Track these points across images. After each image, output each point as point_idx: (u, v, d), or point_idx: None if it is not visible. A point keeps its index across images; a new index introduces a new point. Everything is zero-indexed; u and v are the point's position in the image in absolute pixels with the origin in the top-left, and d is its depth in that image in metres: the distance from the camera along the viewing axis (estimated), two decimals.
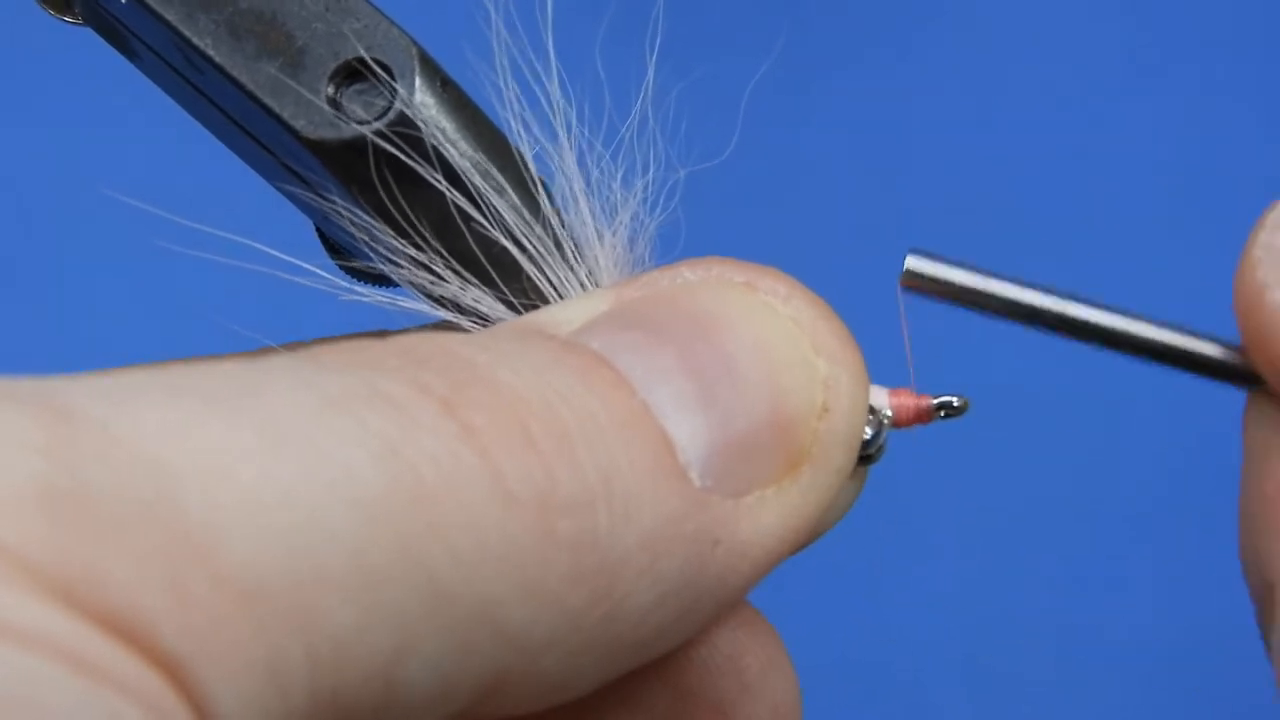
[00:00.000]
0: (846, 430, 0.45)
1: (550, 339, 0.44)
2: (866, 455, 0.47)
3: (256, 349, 0.49)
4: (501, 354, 0.41)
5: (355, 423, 0.37)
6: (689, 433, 0.42)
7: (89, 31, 0.50)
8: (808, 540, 0.45)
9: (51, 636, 0.32)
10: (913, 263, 0.46)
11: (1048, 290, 0.46)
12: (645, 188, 0.48)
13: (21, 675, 0.31)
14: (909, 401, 0.49)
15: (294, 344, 0.49)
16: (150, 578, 0.33)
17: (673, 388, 0.43)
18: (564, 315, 0.45)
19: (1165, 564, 1.17)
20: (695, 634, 0.45)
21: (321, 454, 0.36)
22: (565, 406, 0.40)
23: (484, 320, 0.48)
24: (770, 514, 0.44)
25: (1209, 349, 0.46)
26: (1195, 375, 0.46)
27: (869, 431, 0.47)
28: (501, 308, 0.48)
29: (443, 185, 0.47)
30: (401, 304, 0.49)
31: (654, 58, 0.48)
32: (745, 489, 0.43)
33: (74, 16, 0.50)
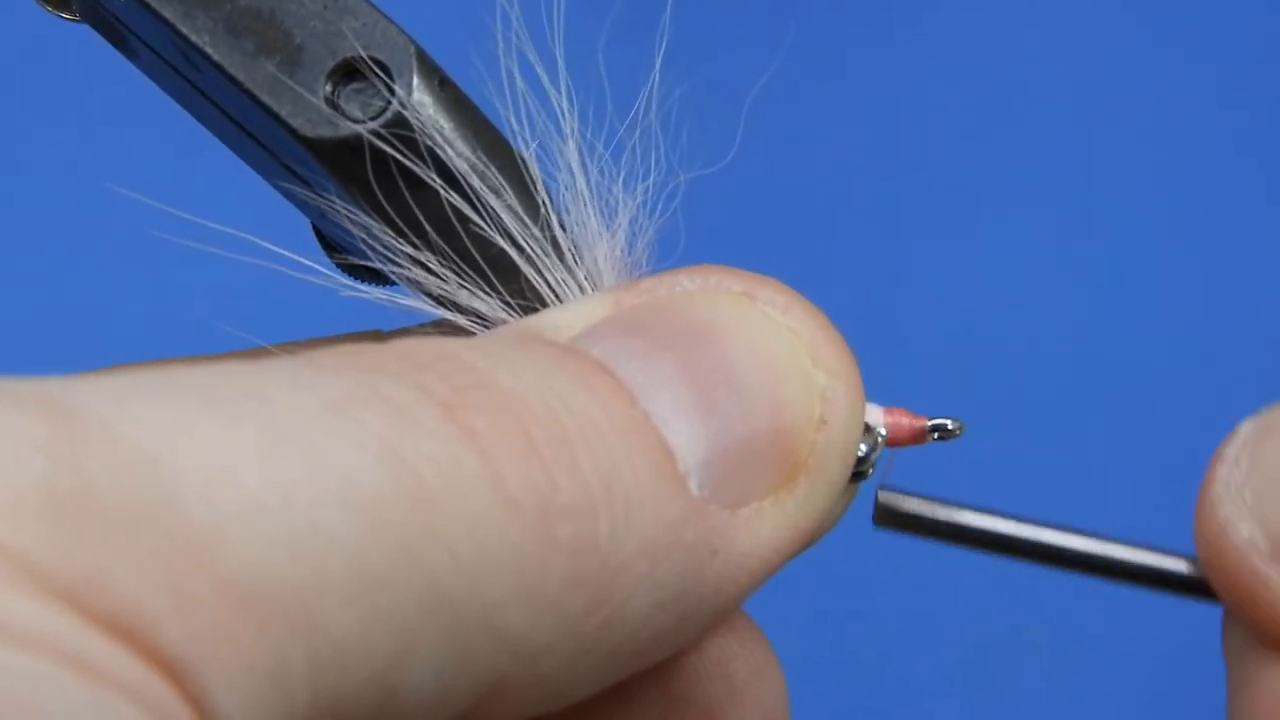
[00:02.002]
0: (843, 443, 0.45)
1: (550, 345, 0.44)
2: (859, 472, 0.47)
3: (255, 348, 0.49)
4: (502, 358, 0.41)
5: (356, 425, 0.37)
6: (688, 441, 0.42)
7: (87, 29, 0.50)
8: (802, 550, 0.45)
9: (54, 639, 0.32)
10: (885, 499, 0.47)
11: (1021, 519, 0.47)
12: (645, 191, 0.48)
13: (24, 678, 0.31)
14: (904, 421, 0.49)
15: (292, 344, 0.49)
16: (152, 580, 0.33)
17: (672, 396, 0.43)
18: (563, 319, 0.45)
19: None
20: (691, 641, 0.45)
21: (323, 457, 0.36)
22: (566, 412, 0.40)
23: (481, 319, 0.48)
24: (766, 526, 0.44)
25: (1181, 567, 0.46)
26: (1169, 592, 0.47)
27: (863, 448, 0.47)
28: (499, 308, 0.48)
29: (438, 184, 0.47)
30: (399, 302, 0.49)
31: (659, 60, 0.48)
32: (742, 500, 0.43)
33: (72, 14, 0.50)
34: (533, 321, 0.46)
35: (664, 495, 0.41)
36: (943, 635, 1.17)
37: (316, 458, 0.36)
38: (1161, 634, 1.17)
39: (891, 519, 0.47)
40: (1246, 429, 0.44)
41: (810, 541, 0.45)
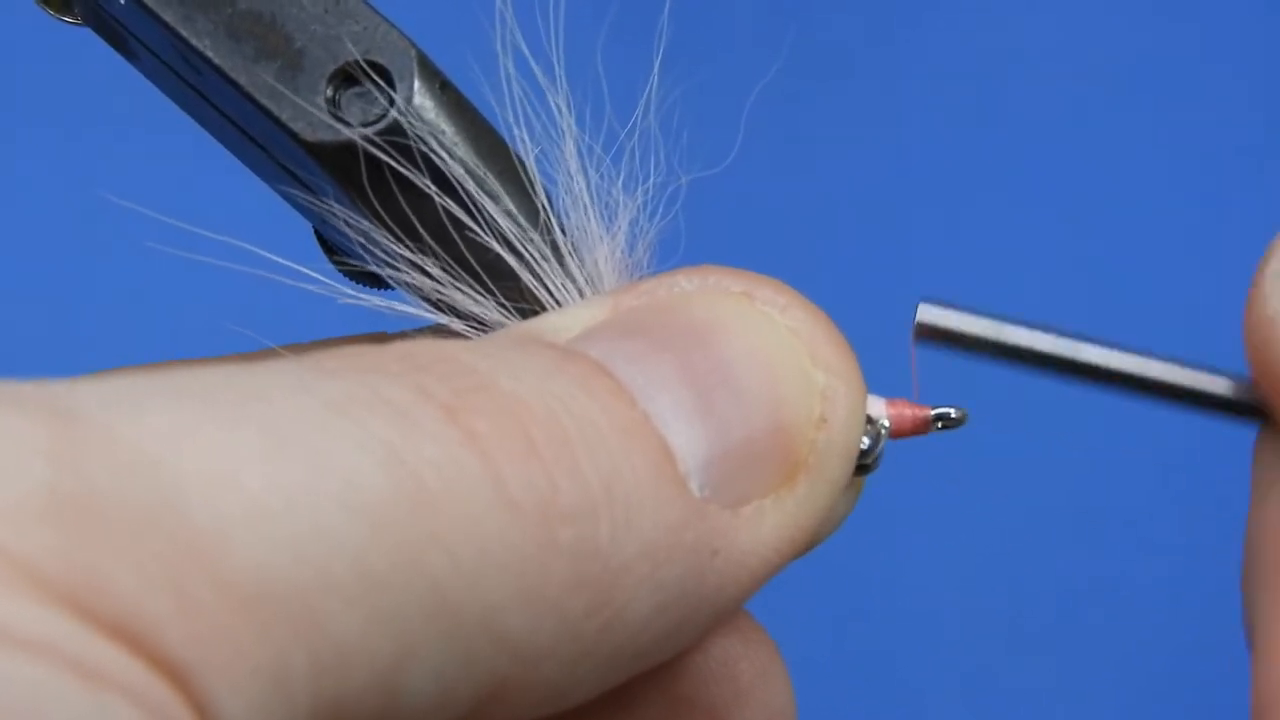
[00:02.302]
0: (843, 441, 0.45)
1: (550, 346, 0.44)
2: (863, 465, 0.47)
3: (256, 351, 0.49)
4: (502, 360, 0.41)
5: (358, 428, 0.37)
6: (688, 442, 0.42)
7: (88, 32, 0.50)
8: (805, 549, 0.45)
9: (56, 643, 0.32)
10: (925, 313, 0.46)
11: (1061, 333, 0.46)
12: (645, 192, 0.48)
13: (26, 683, 0.31)
14: (907, 412, 0.49)
15: (294, 345, 0.49)
16: (155, 584, 0.33)
17: (671, 397, 0.43)
18: (562, 322, 0.45)
19: (1167, 565, 1.17)
20: (693, 643, 0.45)
21: (325, 460, 0.36)
22: (566, 413, 0.40)
23: (481, 324, 0.48)
24: (767, 525, 0.44)
25: (1220, 385, 0.45)
26: (1207, 413, 0.46)
27: (866, 441, 0.47)
28: (498, 312, 0.48)
29: (432, 190, 0.47)
30: (399, 308, 0.49)
31: (659, 61, 0.48)
32: (743, 499, 0.43)
33: (73, 17, 0.50)
34: (532, 324, 0.46)
35: (664, 496, 0.41)
36: (943, 635, 1.17)
37: (318, 460, 0.36)
38: (1162, 633, 1.17)
39: (930, 333, 0.46)
40: None
41: (814, 541, 0.46)
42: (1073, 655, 1.17)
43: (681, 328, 0.44)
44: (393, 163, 0.46)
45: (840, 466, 0.45)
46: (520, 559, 0.38)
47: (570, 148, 0.48)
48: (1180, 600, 1.16)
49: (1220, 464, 1.15)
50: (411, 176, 0.47)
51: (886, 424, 0.48)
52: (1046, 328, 0.46)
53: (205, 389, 0.36)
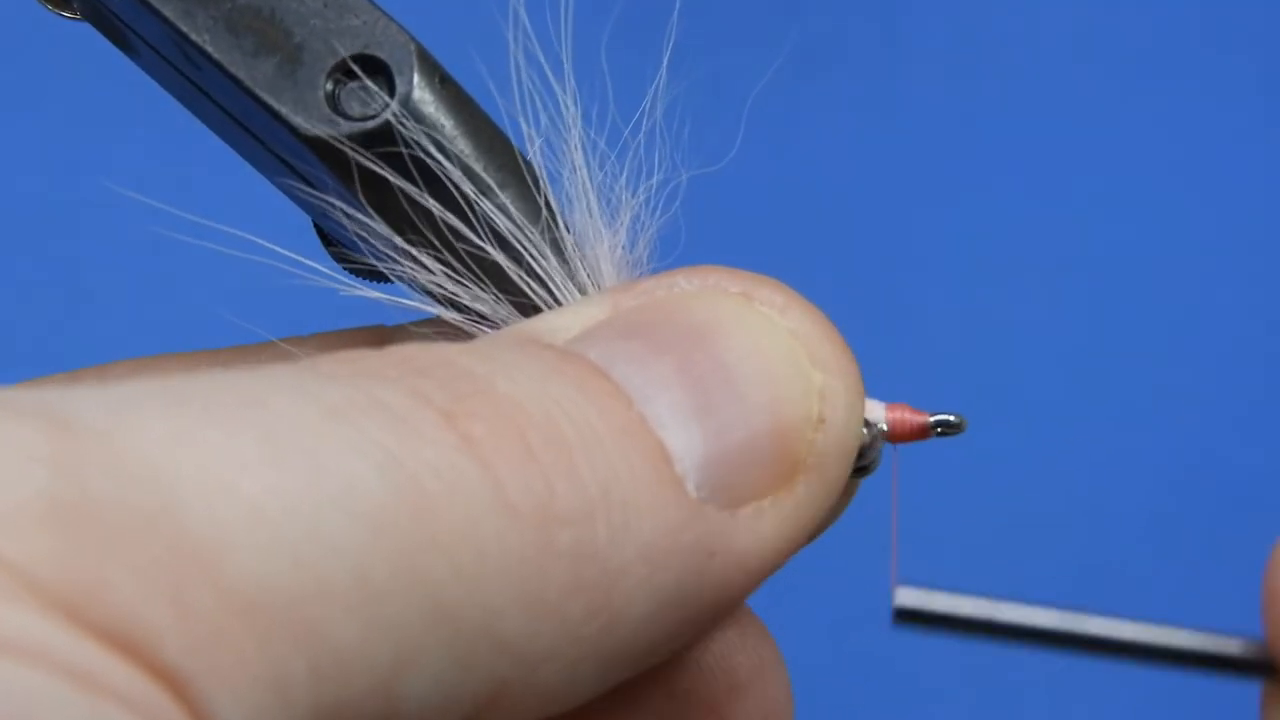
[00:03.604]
0: (842, 442, 0.45)
1: (547, 348, 0.44)
2: (861, 467, 0.47)
3: (258, 343, 0.49)
4: (500, 364, 0.41)
5: (357, 433, 0.37)
6: (685, 444, 0.42)
7: (88, 27, 0.50)
8: (801, 547, 0.45)
9: (55, 652, 0.32)
10: (905, 598, 0.42)
11: (1053, 608, 0.42)
12: (648, 189, 0.48)
13: (23, 690, 0.31)
14: (906, 416, 0.48)
15: (296, 338, 0.49)
16: (154, 592, 0.33)
17: (669, 398, 0.43)
18: (561, 323, 0.45)
19: (1167, 566, 1.17)
20: (692, 643, 0.45)
21: (324, 466, 0.36)
22: (564, 417, 0.40)
23: (481, 317, 0.48)
24: (766, 526, 0.44)
25: (1233, 647, 0.43)
26: (1216, 673, 0.43)
27: (865, 443, 0.47)
28: (497, 305, 0.48)
29: (425, 194, 0.47)
30: (400, 302, 0.49)
31: (667, 58, 0.48)
32: (741, 501, 0.43)
33: (73, 12, 0.50)
34: (530, 325, 0.46)
35: (662, 499, 0.41)
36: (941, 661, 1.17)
37: (317, 466, 0.36)
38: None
39: (913, 618, 0.42)
40: None
41: (811, 538, 0.46)
42: (1074, 662, 1.17)
43: (680, 329, 0.44)
44: (391, 158, 0.46)
45: (839, 467, 0.45)
46: (519, 563, 0.38)
47: (574, 142, 0.48)
48: (1180, 600, 1.16)
49: (1228, 469, 1.15)
50: (410, 173, 0.47)
51: (884, 427, 0.48)
52: (1041, 603, 0.42)
53: (203, 394, 0.36)
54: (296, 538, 0.35)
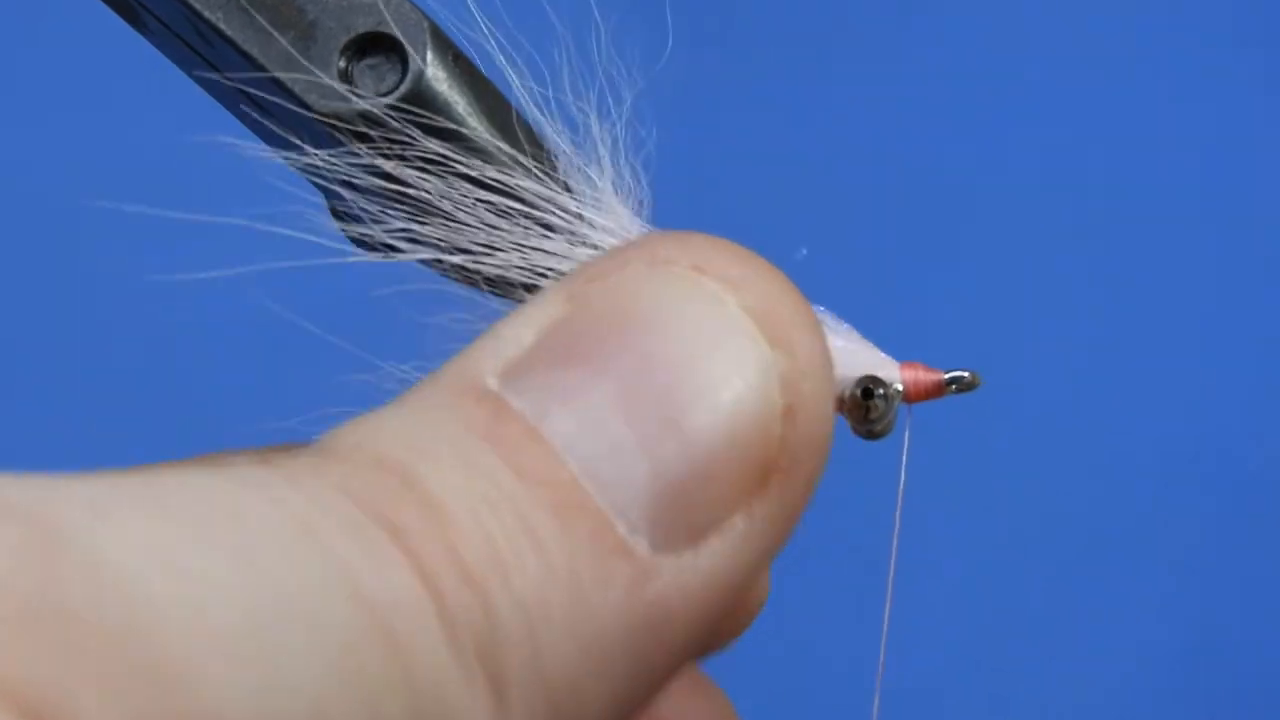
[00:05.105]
0: (816, 429, 0.42)
1: (479, 404, 0.41)
2: (876, 431, 0.47)
3: (216, 454, 0.48)
4: (430, 455, 0.39)
5: (323, 554, 0.36)
6: (631, 494, 0.40)
7: (99, 4, 0.50)
8: (783, 548, 0.43)
9: None
10: None
11: None
12: (649, 159, 0.48)
13: None
14: (921, 375, 0.48)
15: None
16: (119, 709, 0.33)
17: (610, 439, 0.40)
18: (512, 333, 0.42)
19: (1168, 566, 1.18)
20: (659, 689, 0.42)
21: (292, 592, 0.36)
22: (494, 520, 0.38)
23: (492, 287, 0.48)
24: (733, 545, 0.41)
25: None
26: None
27: (880, 406, 0.46)
28: (511, 274, 0.48)
29: (431, 179, 0.47)
30: (409, 258, 0.49)
31: (670, 42, 0.48)
32: (704, 530, 0.40)
33: None
34: (477, 354, 0.42)
35: (609, 577, 0.39)
36: (944, 634, 1.18)
37: (286, 592, 0.35)
38: (1162, 633, 1.17)
39: None
40: None
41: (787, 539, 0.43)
42: (1073, 654, 1.18)
43: (623, 338, 0.41)
44: (405, 133, 0.46)
45: (816, 457, 0.42)
46: (470, 705, 0.37)
47: (591, 121, 0.48)
48: (1181, 599, 1.16)
49: (1229, 469, 1.16)
50: (429, 145, 0.47)
51: (899, 388, 0.47)
52: None
53: (180, 504, 0.36)
54: (262, 673, 0.34)
